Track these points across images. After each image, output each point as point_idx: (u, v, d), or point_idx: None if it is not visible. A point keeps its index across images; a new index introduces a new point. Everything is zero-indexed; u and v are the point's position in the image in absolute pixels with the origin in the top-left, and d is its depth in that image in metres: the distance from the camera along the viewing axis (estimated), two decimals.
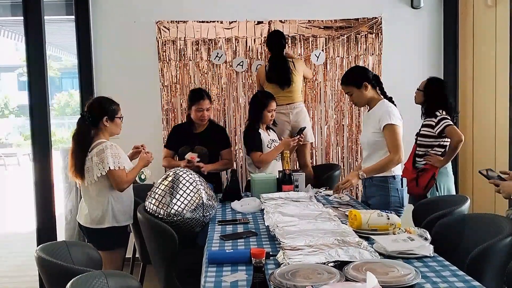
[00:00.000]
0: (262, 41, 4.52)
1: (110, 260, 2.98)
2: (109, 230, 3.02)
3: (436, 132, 3.59)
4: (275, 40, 4.23)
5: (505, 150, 3.91)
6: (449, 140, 3.60)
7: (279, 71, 4.16)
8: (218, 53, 4.54)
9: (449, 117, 3.59)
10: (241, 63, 4.55)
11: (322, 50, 4.59)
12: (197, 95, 3.76)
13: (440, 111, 3.61)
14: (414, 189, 3.62)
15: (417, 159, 3.71)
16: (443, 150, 3.64)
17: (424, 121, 3.72)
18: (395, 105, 3.10)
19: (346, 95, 3.26)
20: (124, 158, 3.07)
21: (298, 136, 3.83)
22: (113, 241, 3.06)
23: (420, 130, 3.75)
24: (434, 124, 3.60)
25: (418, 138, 3.74)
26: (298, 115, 4.22)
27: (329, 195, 3.36)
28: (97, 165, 2.93)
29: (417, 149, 3.73)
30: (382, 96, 3.14)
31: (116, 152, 2.99)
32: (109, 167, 2.92)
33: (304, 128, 3.97)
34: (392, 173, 3.05)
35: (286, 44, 4.35)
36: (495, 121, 4.16)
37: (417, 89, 3.80)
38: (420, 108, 3.80)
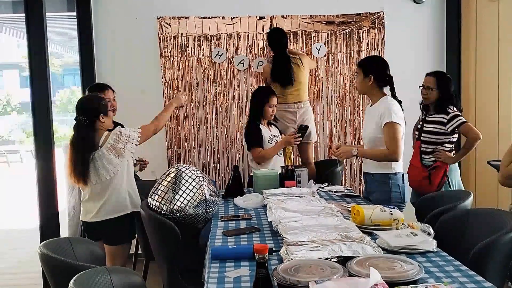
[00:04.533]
0: (264, 37, 4.49)
1: (117, 254, 3.01)
2: (126, 217, 3.05)
3: (449, 130, 3.46)
4: (277, 39, 4.18)
5: (508, 143, 3.88)
6: (456, 136, 3.53)
7: (282, 70, 4.11)
8: (219, 51, 4.51)
9: (461, 114, 3.47)
10: (242, 61, 4.53)
11: (324, 44, 4.58)
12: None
13: (451, 107, 3.49)
14: (427, 187, 3.47)
15: (424, 156, 3.57)
16: (451, 146, 3.55)
17: (430, 118, 3.56)
18: (402, 109, 3.05)
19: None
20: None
21: (299, 134, 3.78)
22: (126, 232, 3.11)
23: (422, 126, 3.60)
24: (445, 121, 3.47)
25: (423, 135, 3.58)
26: (304, 114, 4.19)
27: (331, 191, 3.36)
28: (125, 144, 2.98)
29: (424, 146, 3.57)
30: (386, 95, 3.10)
31: (126, 132, 3.05)
32: (139, 128, 3.09)
33: (306, 127, 3.89)
34: (393, 170, 3.04)
35: (288, 41, 4.31)
36: (498, 114, 4.16)
37: (429, 88, 3.53)
38: (419, 105, 3.69)
